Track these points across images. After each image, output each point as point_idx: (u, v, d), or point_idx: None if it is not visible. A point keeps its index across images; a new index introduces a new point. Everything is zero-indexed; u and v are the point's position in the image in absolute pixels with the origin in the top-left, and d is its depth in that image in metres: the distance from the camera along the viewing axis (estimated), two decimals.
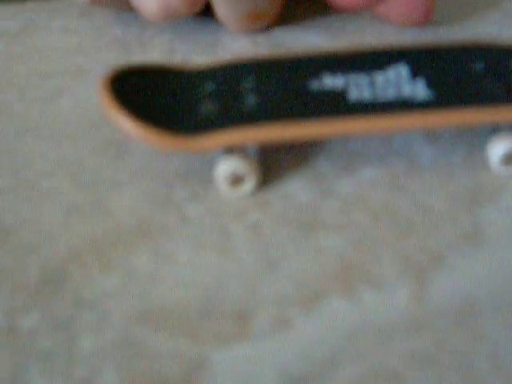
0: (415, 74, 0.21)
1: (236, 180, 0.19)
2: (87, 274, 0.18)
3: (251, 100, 0.20)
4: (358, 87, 0.20)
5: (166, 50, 0.26)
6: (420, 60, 0.21)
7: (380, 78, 0.21)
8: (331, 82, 0.20)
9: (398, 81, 0.20)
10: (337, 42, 0.25)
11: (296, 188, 0.20)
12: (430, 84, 0.21)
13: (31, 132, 0.22)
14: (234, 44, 0.26)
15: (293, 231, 0.19)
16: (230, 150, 0.19)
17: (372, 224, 0.19)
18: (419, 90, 0.20)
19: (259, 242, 0.19)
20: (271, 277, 0.18)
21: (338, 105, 0.20)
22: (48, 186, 0.20)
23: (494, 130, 0.20)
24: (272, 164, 0.21)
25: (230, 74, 0.21)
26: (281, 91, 0.20)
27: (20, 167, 0.21)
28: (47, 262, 0.18)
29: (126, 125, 0.19)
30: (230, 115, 0.19)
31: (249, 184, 0.20)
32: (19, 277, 0.18)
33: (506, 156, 0.20)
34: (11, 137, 0.22)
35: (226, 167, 0.19)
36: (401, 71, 0.21)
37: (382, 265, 0.18)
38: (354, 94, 0.20)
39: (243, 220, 0.19)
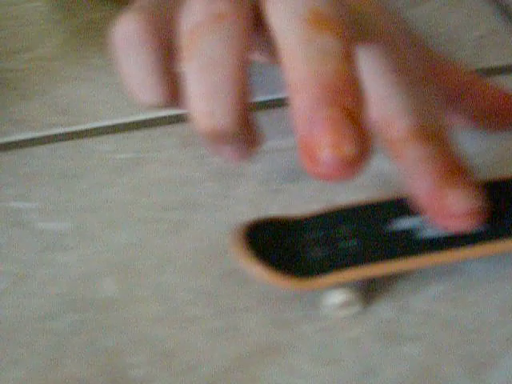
0: None
1: (344, 306, 0.26)
2: None
3: (349, 244, 0.27)
4: (429, 226, 0.27)
5: (262, 180, 0.33)
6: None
7: None
8: (407, 222, 0.27)
9: None
10: None
11: (381, 306, 0.27)
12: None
13: (168, 263, 0.29)
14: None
15: (382, 343, 0.26)
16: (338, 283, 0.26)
17: (441, 334, 0.26)
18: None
19: (358, 352, 0.26)
20: (371, 382, 0.25)
21: (415, 243, 0.26)
22: (193, 314, 0.28)
23: None
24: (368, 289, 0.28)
25: (327, 223, 0.28)
26: (371, 235, 0.27)
27: (166, 296, 0.28)
28: (206, 379, 0.25)
29: (255, 271, 0.26)
30: (335, 259, 0.26)
31: (356, 307, 0.26)
32: None
33: None
34: (155, 268, 0.29)
35: (335, 298, 0.26)
36: None
37: (450, 367, 0.25)
38: (425, 233, 0.27)
39: (345, 335, 0.26)
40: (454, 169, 0.27)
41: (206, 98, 0.27)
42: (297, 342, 0.26)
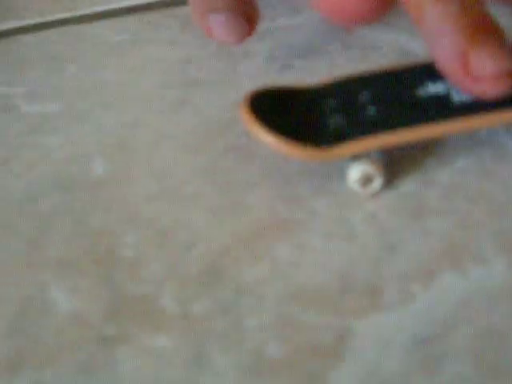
0: None
1: (366, 181, 0.23)
2: (240, 265, 0.22)
3: (370, 111, 0.24)
4: (457, 91, 0.24)
5: (267, 56, 0.29)
6: None
7: None
8: (435, 88, 0.24)
9: None
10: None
11: (404, 180, 0.24)
12: None
13: (165, 141, 0.27)
14: (327, 47, 0.29)
15: (403, 218, 0.23)
16: (358, 156, 0.23)
17: (469, 208, 0.23)
18: None
19: (377, 228, 0.23)
20: (391, 258, 0.22)
21: (445, 108, 0.23)
22: (191, 192, 0.25)
23: None
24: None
25: (347, 90, 0.24)
26: (395, 101, 0.24)
27: (161, 174, 0.25)
28: (205, 257, 0.22)
29: (270, 141, 0.23)
30: (355, 127, 0.23)
31: (377, 183, 0.23)
32: (184, 271, 0.22)
33: None
34: (150, 147, 0.26)
35: (357, 171, 0.23)
36: None
37: (481, 243, 0.22)
38: (456, 97, 0.24)
39: (362, 211, 0.23)
40: (479, 28, 0.24)
41: None
42: (307, 217, 0.23)
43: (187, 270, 0.22)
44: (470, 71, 0.23)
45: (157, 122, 0.27)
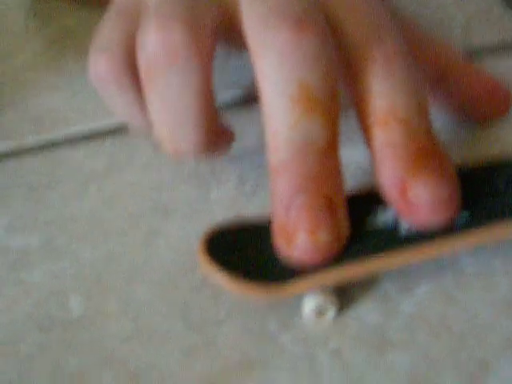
0: None
1: (320, 312, 0.24)
2: None
3: None
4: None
5: (237, 181, 0.31)
6: None
7: None
8: (384, 217, 0.25)
9: None
10: None
11: (367, 310, 0.25)
12: (465, 205, 0.25)
13: (138, 276, 0.27)
14: None
15: (366, 351, 0.23)
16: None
17: (431, 340, 0.23)
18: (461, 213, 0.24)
19: (341, 364, 0.23)
20: None
21: (392, 239, 0.24)
22: (164, 330, 0.25)
23: None
24: (345, 290, 0.25)
25: None
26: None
27: (136, 312, 0.26)
28: None
29: (222, 282, 0.24)
30: None
31: (330, 314, 0.24)
32: None
33: None
34: (125, 283, 0.27)
35: (310, 304, 0.24)
36: None
37: (441, 376, 0.22)
38: (403, 227, 0.24)
39: (326, 346, 0.24)
40: (421, 156, 0.24)
41: (168, 126, 0.27)
42: (275, 355, 0.24)
43: None
44: (409, 202, 0.24)
45: (130, 255, 0.28)
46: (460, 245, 0.24)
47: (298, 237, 0.23)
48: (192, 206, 0.30)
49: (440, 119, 0.31)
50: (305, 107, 0.24)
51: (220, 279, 0.24)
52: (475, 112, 0.30)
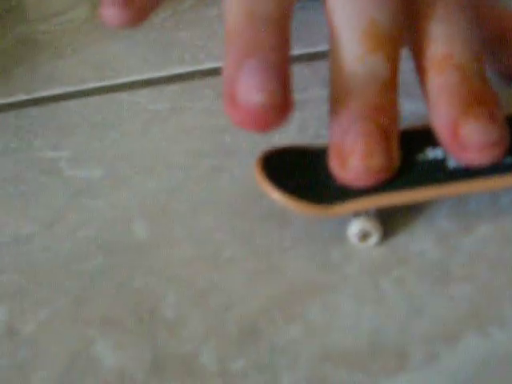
0: None
1: (364, 236, 0.25)
2: (275, 326, 0.24)
3: None
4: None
5: (300, 126, 0.31)
6: None
7: None
8: (433, 153, 0.26)
9: None
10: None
11: (428, 246, 0.25)
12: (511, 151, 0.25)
13: (203, 208, 0.28)
14: None
15: (429, 283, 0.24)
16: (358, 213, 0.25)
17: (491, 274, 0.24)
18: (507, 157, 0.25)
19: (404, 293, 0.24)
20: (418, 321, 0.23)
21: (440, 172, 0.25)
22: (229, 254, 0.26)
23: None
24: (404, 224, 0.26)
25: None
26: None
27: (201, 238, 0.27)
28: (242, 318, 0.24)
29: (278, 198, 0.25)
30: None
31: (374, 238, 0.25)
32: (222, 331, 0.24)
33: None
34: (189, 212, 0.28)
35: (355, 227, 0.25)
36: None
37: (504, 307, 0.23)
38: (452, 163, 0.25)
39: (389, 275, 0.25)
40: (473, 100, 0.25)
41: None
42: (339, 281, 0.25)
43: (225, 331, 0.23)
44: (460, 141, 0.25)
45: (195, 187, 0.29)
46: (503, 183, 0.25)
47: (353, 160, 0.24)
48: (255, 147, 0.31)
49: (495, 76, 0.31)
50: (373, 42, 0.26)
51: (275, 196, 0.25)
52: None
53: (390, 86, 0.25)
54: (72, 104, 0.36)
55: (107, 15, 0.27)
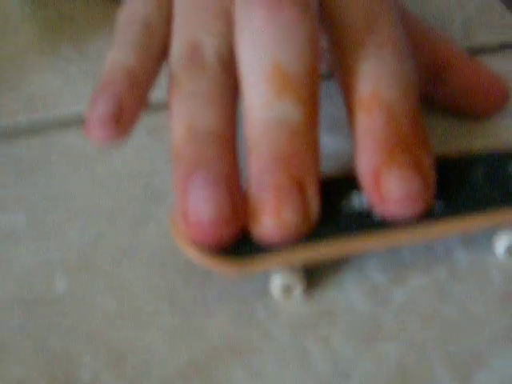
0: None
1: (288, 290, 0.24)
2: None
3: None
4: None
5: None
6: None
7: None
8: (359, 201, 0.24)
9: None
10: None
11: (356, 299, 0.24)
12: (438, 195, 0.24)
13: (128, 259, 0.27)
14: None
15: (357, 341, 0.23)
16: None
17: (422, 330, 0.23)
18: (434, 203, 0.24)
19: (330, 353, 0.23)
20: (344, 383, 0.22)
21: (366, 223, 0.24)
22: (150, 310, 0.25)
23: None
24: (332, 276, 0.25)
25: None
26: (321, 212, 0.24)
27: (123, 293, 0.26)
28: (160, 382, 0.23)
29: (193, 255, 0.24)
30: None
31: (297, 292, 0.24)
32: None
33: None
34: (113, 264, 0.27)
35: (277, 281, 0.24)
36: None
37: (433, 367, 0.22)
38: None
39: (315, 334, 0.23)
40: (399, 146, 0.23)
41: None
42: (263, 342, 0.23)
43: None
44: (380, 192, 0.23)
45: (120, 238, 0.28)
46: (433, 233, 0.23)
47: (264, 216, 0.23)
48: None
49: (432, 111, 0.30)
50: (278, 87, 0.24)
51: (191, 253, 0.23)
52: (471, 106, 0.30)
53: (303, 131, 0.24)
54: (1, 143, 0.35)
55: (95, 135, 0.25)
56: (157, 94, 0.28)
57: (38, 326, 0.25)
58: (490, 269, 0.25)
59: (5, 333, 0.25)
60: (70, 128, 0.34)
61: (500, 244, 0.25)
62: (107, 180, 0.31)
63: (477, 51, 0.35)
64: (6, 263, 0.27)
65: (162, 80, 0.28)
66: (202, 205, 0.23)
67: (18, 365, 0.23)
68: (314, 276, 0.25)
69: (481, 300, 0.24)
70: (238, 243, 0.23)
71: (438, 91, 0.30)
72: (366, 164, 0.24)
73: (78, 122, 0.35)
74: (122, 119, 0.25)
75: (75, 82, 0.37)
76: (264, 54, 0.25)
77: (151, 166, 0.31)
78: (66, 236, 0.28)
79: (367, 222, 0.24)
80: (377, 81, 0.25)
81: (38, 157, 0.33)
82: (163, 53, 0.27)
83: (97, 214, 0.29)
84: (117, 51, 0.27)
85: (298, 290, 0.24)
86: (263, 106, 0.24)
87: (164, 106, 0.28)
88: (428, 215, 0.24)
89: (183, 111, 0.25)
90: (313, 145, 0.24)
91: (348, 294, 0.25)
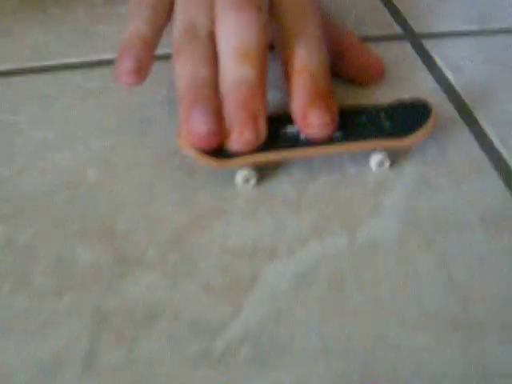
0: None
1: (246, 180, 0.39)
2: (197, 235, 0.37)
3: None
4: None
5: None
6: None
7: None
8: (291, 129, 0.40)
9: None
10: None
11: (286, 188, 0.39)
12: (338, 127, 0.40)
13: (137, 165, 0.41)
14: None
15: (287, 209, 0.38)
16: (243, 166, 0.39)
17: (324, 205, 0.39)
18: (336, 132, 0.39)
19: (272, 216, 0.38)
20: (280, 228, 0.37)
21: (296, 141, 0.39)
22: (160, 187, 0.39)
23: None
24: (273, 174, 0.40)
25: None
26: (270, 135, 0.39)
27: (137, 179, 0.40)
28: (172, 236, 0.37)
29: (191, 154, 0.38)
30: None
31: (252, 182, 0.39)
32: None
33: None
34: (126, 161, 0.41)
35: (240, 174, 0.39)
36: None
37: (330, 221, 0.38)
38: (302, 136, 0.39)
39: (263, 205, 0.38)
40: (318, 96, 0.38)
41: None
42: (230, 208, 0.38)
43: None
44: (306, 122, 0.38)
45: (126, 150, 0.41)
46: (335, 149, 0.39)
47: (234, 135, 0.37)
48: (171, 119, 0.43)
49: (336, 79, 0.46)
50: (241, 58, 0.38)
51: (191, 153, 0.37)
52: (359, 77, 0.46)
53: (256, 84, 0.37)
54: (18, 79, 0.47)
55: (123, 81, 0.39)
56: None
57: (82, 199, 0.38)
58: (367, 175, 0.41)
59: (57, 205, 0.38)
60: (73, 71, 0.47)
61: (373, 160, 0.41)
62: (111, 108, 0.44)
63: (364, 39, 0.51)
64: (48, 164, 0.40)
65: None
66: (200, 124, 0.37)
67: (76, 222, 0.37)
68: (262, 173, 0.40)
69: (360, 192, 0.40)
70: (219, 150, 0.38)
71: (339, 66, 0.46)
72: (298, 106, 0.39)
73: (79, 66, 0.47)
74: (141, 71, 0.39)
75: (67, 36, 0.49)
76: (233, 37, 0.39)
77: (143, 101, 0.45)
78: (88, 145, 0.42)
79: (296, 141, 0.39)
80: (306, 58, 0.40)
81: (52, 92, 0.46)
82: (164, 25, 0.42)
83: (107, 130, 0.43)
84: (131, 25, 0.41)
85: (253, 181, 0.39)
86: (232, 68, 0.38)
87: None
88: (332, 139, 0.39)
89: (186, 66, 0.39)
90: (263, 93, 0.39)
91: (281, 185, 0.39)
